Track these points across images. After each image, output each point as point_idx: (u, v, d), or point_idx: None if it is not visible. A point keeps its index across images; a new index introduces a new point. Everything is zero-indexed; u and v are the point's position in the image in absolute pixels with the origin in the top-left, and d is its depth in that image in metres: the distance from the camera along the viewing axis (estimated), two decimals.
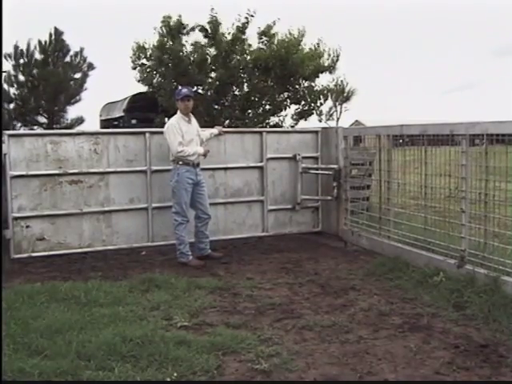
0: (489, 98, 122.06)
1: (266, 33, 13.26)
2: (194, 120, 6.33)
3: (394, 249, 5.95)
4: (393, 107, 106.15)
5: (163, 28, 13.11)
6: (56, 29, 14.86)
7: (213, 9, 12.83)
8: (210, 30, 12.95)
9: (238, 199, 7.18)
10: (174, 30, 12.99)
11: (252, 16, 13.06)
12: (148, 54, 13.47)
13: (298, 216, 7.59)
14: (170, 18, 13.11)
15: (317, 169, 7.53)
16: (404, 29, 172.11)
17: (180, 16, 13.10)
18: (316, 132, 7.69)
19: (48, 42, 14.70)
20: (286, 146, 7.45)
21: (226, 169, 7.08)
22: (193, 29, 13.10)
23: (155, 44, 13.25)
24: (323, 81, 13.88)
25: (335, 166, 7.11)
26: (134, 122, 15.54)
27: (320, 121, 16.78)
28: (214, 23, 12.88)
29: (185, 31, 13.14)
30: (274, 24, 13.27)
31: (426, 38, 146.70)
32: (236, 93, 13.53)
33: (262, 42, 13.28)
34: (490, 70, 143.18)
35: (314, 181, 7.59)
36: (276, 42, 13.13)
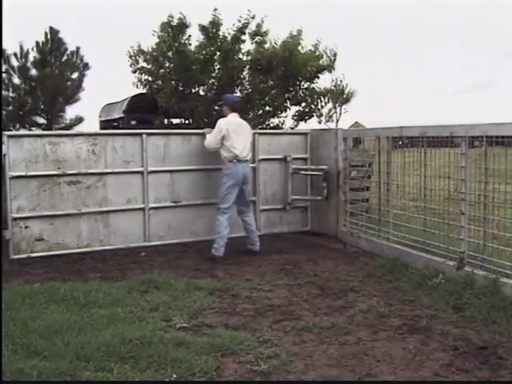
0: (499, 100, 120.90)
1: (257, 32, 13.19)
2: None
3: (393, 250, 5.95)
4: (397, 109, 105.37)
5: (164, 28, 12.98)
6: (51, 28, 14.72)
7: (216, 9, 12.80)
8: (210, 30, 12.89)
9: None
10: (175, 29, 12.91)
11: (252, 18, 13.03)
12: (147, 56, 13.36)
13: (288, 216, 7.71)
14: (172, 17, 13.02)
15: (306, 170, 7.58)
16: (412, 29, 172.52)
17: (183, 16, 13.03)
18: (305, 134, 7.81)
19: (45, 42, 14.63)
20: (276, 147, 7.56)
21: (221, 169, 7.06)
22: (188, 26, 12.97)
23: (154, 46, 13.16)
24: (323, 82, 13.73)
25: (324, 167, 7.20)
26: (133, 123, 15.49)
27: (320, 122, 16.70)
28: (216, 23, 12.83)
29: (187, 30, 13.06)
30: (263, 22, 13.13)
31: (434, 39, 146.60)
32: (236, 94, 13.51)
33: (256, 42, 13.23)
34: (501, 72, 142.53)
35: (304, 181, 7.67)
36: (270, 41, 13.08)
